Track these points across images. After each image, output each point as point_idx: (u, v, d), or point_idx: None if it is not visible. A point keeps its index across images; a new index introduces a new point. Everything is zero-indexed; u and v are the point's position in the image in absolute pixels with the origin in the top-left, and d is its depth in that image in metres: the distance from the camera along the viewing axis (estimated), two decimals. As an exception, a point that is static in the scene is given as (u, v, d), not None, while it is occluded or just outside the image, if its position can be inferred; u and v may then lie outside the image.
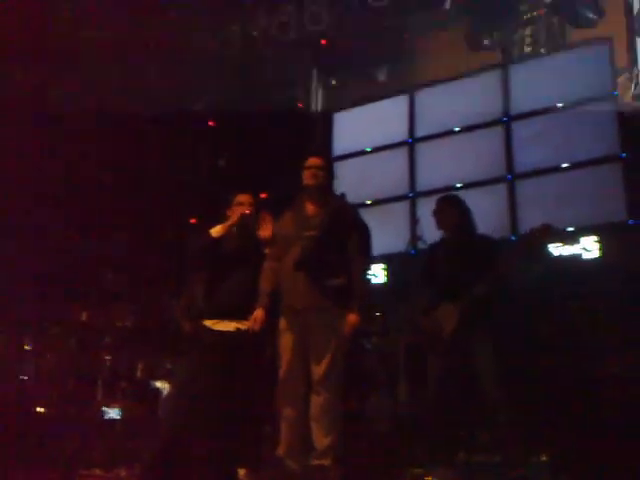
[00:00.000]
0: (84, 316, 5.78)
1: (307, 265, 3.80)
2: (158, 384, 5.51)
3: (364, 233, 3.99)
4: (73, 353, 5.68)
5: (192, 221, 7.23)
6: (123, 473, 5.06)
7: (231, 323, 4.03)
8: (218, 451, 3.84)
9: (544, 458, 4.13)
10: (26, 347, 5.92)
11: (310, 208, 3.98)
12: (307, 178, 3.97)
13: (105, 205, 7.26)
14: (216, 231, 4.10)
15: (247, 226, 4.15)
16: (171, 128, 7.38)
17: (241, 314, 4.00)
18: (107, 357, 5.58)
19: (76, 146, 7.23)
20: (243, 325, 3.99)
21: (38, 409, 5.72)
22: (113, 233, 7.42)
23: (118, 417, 5.64)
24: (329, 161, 4.24)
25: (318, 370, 3.74)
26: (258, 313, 3.89)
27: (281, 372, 3.84)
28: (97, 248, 7.07)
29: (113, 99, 6.93)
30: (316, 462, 3.67)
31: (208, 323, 4.10)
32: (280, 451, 3.77)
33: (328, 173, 4.07)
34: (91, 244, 7.03)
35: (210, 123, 7.68)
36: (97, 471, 5.12)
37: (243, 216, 4.12)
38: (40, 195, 7.15)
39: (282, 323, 3.91)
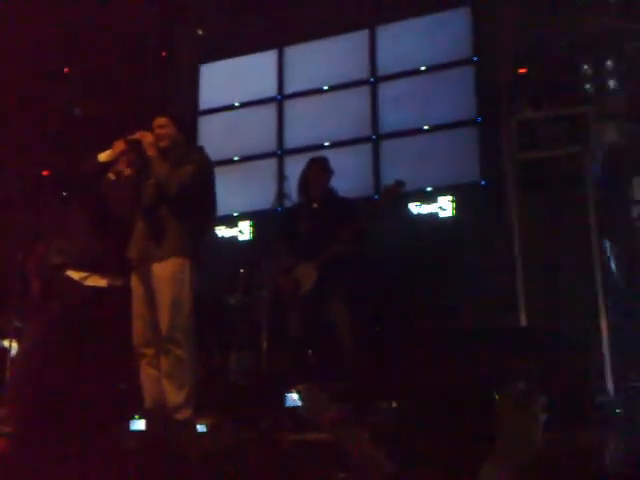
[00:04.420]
0: None
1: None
2: (5, 343, 5.19)
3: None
4: None
5: (44, 173, 6.80)
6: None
7: (102, 279, 3.75)
8: (73, 411, 3.71)
9: (394, 405, 4.31)
10: None
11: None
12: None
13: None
14: (104, 155, 3.62)
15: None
16: (21, 72, 6.81)
17: (111, 268, 3.71)
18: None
19: None
20: (115, 282, 3.75)
21: None
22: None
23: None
24: (179, 117, 3.99)
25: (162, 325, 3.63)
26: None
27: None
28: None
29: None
30: (177, 416, 3.61)
31: (75, 275, 3.76)
32: (145, 405, 3.72)
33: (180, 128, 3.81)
34: None
35: (65, 70, 7.16)
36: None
37: (129, 141, 3.57)
38: None
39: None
